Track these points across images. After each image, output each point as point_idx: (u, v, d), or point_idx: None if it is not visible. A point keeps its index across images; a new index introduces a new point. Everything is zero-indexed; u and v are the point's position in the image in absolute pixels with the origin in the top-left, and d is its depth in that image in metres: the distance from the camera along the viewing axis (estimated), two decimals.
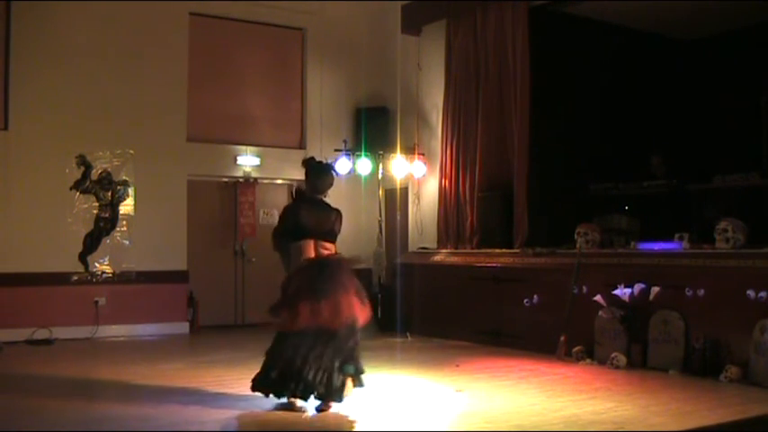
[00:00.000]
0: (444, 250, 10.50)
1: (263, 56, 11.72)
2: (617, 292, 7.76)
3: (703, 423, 5.35)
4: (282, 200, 11.24)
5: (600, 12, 9.82)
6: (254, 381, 5.86)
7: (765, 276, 6.75)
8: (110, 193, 10.34)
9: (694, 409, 5.77)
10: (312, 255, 5.92)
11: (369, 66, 12.10)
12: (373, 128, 11.43)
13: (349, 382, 5.76)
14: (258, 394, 5.84)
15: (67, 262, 10.01)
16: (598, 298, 7.90)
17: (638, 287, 7.64)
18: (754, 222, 7.54)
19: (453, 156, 10.55)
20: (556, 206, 9.60)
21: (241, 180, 11.38)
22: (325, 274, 5.79)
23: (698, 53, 10.84)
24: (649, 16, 9.95)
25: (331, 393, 5.65)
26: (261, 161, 11.41)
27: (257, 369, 5.87)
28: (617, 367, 7.50)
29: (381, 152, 11.16)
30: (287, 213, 6.14)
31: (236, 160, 11.30)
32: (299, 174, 6.48)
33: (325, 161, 6.43)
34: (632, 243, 8.41)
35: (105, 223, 10.28)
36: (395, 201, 11.33)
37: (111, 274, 10.27)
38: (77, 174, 10.12)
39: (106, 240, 10.28)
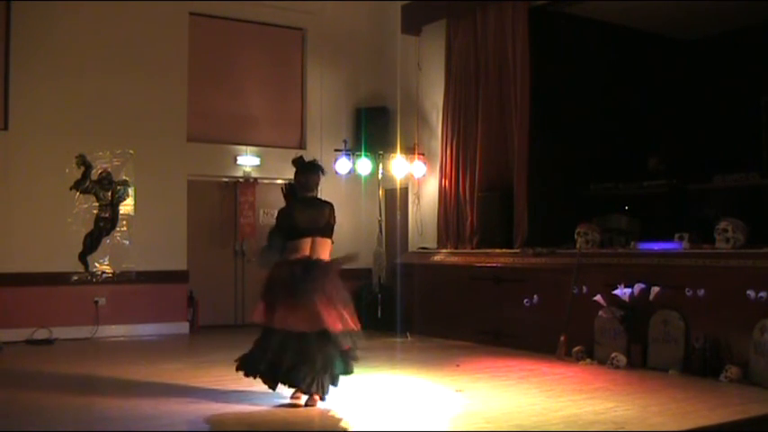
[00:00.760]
0: (444, 250, 10.50)
1: (263, 56, 11.71)
2: (617, 292, 7.75)
3: (703, 423, 5.35)
4: (282, 200, 11.19)
5: (600, 12, 9.81)
6: (241, 361, 5.93)
7: (765, 276, 6.75)
8: (110, 193, 10.33)
9: (694, 409, 5.78)
10: (308, 253, 5.94)
11: (369, 66, 12.10)
12: (373, 128, 11.42)
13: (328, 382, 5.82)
14: (258, 394, 5.86)
15: (67, 262, 10.01)
16: (598, 298, 7.90)
17: (638, 287, 7.63)
18: (754, 222, 7.54)
19: (453, 156, 10.54)
20: (556, 206, 9.60)
21: (241, 180, 11.37)
22: (308, 275, 5.81)
23: (698, 53, 10.83)
24: (649, 16, 9.93)
25: (318, 390, 5.73)
26: (261, 161, 11.40)
27: None
28: (617, 367, 7.50)
29: (381, 152, 11.16)
30: (281, 216, 6.17)
31: (236, 160, 11.29)
32: None
33: (312, 160, 6.45)
34: (632, 243, 8.42)
35: (105, 223, 10.28)
36: (395, 201, 11.34)
37: (111, 274, 10.26)
38: (77, 174, 10.12)
39: (106, 240, 10.27)
